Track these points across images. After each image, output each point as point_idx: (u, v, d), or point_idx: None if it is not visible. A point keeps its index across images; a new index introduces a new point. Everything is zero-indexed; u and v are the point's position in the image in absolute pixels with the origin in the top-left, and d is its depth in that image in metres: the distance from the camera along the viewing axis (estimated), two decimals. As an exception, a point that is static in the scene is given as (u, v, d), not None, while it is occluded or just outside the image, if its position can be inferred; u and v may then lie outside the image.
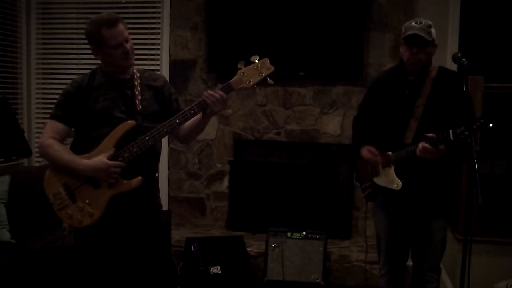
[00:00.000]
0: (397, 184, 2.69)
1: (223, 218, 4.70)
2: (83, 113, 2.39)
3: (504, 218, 3.59)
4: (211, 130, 4.62)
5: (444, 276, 3.51)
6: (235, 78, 2.37)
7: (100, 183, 2.36)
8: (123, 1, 4.70)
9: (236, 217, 4.62)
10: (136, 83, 2.45)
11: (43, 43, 4.87)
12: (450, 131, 2.41)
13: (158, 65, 4.68)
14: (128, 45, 2.38)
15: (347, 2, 4.25)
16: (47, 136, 2.39)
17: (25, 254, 3.35)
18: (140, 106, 2.41)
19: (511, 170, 3.66)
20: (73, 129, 2.47)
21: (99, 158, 2.32)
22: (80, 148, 2.41)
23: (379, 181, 2.79)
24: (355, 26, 4.25)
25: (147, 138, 2.36)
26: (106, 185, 2.36)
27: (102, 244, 2.44)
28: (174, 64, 4.66)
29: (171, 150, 4.70)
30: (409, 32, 2.57)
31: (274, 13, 4.36)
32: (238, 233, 4.36)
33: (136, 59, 4.69)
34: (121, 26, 2.35)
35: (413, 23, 2.60)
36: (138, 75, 2.48)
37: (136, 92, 2.43)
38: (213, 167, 4.69)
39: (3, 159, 4.06)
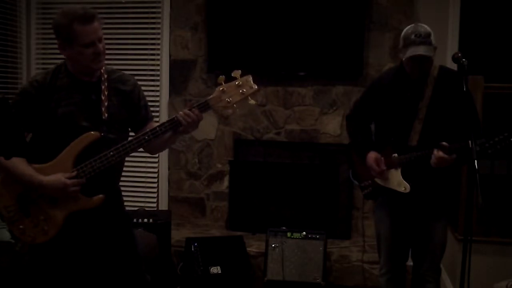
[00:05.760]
0: (404, 187, 2.67)
1: (223, 218, 4.70)
2: (42, 118, 2.17)
3: (504, 218, 3.59)
4: (211, 130, 4.62)
5: (444, 276, 3.51)
6: (213, 95, 2.15)
7: (58, 198, 2.18)
8: (123, 1, 4.69)
9: (236, 217, 4.62)
10: (103, 87, 2.23)
11: (43, 43, 4.86)
12: (470, 141, 2.36)
13: (158, 65, 4.68)
14: (100, 45, 2.16)
15: (347, 2, 4.25)
16: None
17: (25, 254, 3.35)
18: (106, 115, 2.21)
19: (511, 170, 3.66)
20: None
21: (57, 176, 2.13)
22: (36, 155, 2.18)
23: (384, 182, 2.79)
24: (355, 26, 4.25)
25: (111, 153, 2.16)
26: (64, 202, 2.17)
27: (59, 262, 2.25)
28: (174, 64, 4.66)
29: (171, 150, 4.69)
30: (413, 54, 2.51)
31: (274, 13, 4.36)
32: (238, 233, 4.36)
33: (136, 59, 4.75)
34: (96, 24, 2.13)
35: (413, 37, 2.52)
36: (105, 76, 2.26)
37: (103, 98, 2.22)
38: (213, 167, 4.69)
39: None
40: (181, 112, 2.16)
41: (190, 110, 2.16)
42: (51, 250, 2.24)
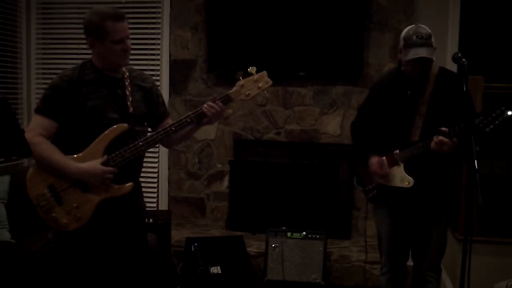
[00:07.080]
0: (408, 181, 2.67)
1: (223, 218, 4.70)
2: (73, 110, 2.27)
3: (504, 218, 3.59)
4: (211, 130, 4.62)
5: (444, 276, 3.51)
6: (234, 89, 2.36)
7: (89, 186, 2.27)
8: (123, 1, 4.69)
9: (236, 217, 4.62)
10: (126, 83, 2.37)
11: (43, 43, 4.87)
12: (467, 122, 2.38)
13: (158, 65, 4.68)
14: (128, 43, 2.31)
15: (347, 2, 4.25)
16: (35, 133, 2.23)
17: (25, 254, 3.35)
18: (132, 108, 2.35)
19: (511, 170, 3.66)
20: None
21: (93, 163, 2.23)
22: (66, 147, 2.28)
23: (387, 181, 2.77)
24: (355, 26, 4.25)
25: (140, 144, 2.30)
26: (95, 189, 2.27)
27: (86, 248, 2.33)
28: (174, 64, 4.66)
29: (171, 150, 4.69)
30: (416, 56, 2.52)
31: (274, 13, 4.36)
32: (238, 233, 4.36)
33: (136, 59, 4.76)
34: (125, 22, 2.29)
35: (414, 38, 2.52)
36: (127, 74, 2.41)
37: (128, 93, 2.36)
38: (213, 167, 4.69)
39: (3, 159, 4.06)
40: (205, 105, 2.33)
41: (213, 102, 2.34)
42: (79, 237, 2.32)
